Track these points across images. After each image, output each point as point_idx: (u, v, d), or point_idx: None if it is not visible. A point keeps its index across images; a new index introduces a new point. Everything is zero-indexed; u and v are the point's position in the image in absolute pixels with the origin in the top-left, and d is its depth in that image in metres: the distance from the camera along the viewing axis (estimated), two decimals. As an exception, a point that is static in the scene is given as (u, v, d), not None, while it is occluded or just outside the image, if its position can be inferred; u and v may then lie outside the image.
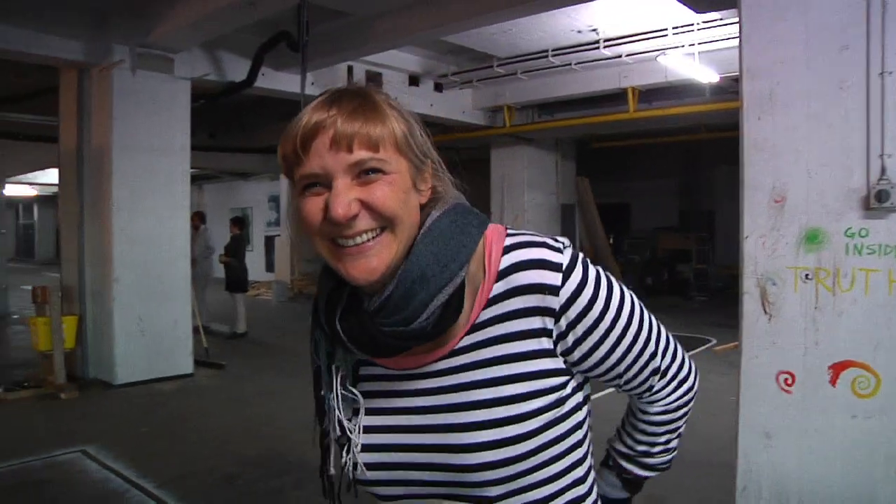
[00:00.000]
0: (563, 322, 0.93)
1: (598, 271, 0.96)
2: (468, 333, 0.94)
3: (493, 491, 0.94)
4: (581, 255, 0.96)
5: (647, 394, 1.08)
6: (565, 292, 0.92)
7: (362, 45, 7.72)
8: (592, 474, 1.06)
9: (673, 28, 7.31)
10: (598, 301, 0.94)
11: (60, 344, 6.83)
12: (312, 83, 8.71)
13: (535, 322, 0.93)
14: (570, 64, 8.64)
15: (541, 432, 0.93)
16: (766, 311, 2.70)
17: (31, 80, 9.39)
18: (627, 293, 1.00)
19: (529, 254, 0.93)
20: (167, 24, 6.54)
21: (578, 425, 1.00)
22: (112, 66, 6.86)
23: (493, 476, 0.93)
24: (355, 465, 0.99)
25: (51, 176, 14.85)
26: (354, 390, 1.00)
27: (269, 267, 18.82)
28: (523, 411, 0.92)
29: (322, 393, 1.04)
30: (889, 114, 2.40)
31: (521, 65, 9.03)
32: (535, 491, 0.96)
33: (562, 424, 0.96)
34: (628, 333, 0.98)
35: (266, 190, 19.00)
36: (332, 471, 1.04)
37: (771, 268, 2.68)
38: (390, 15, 7.07)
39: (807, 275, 2.60)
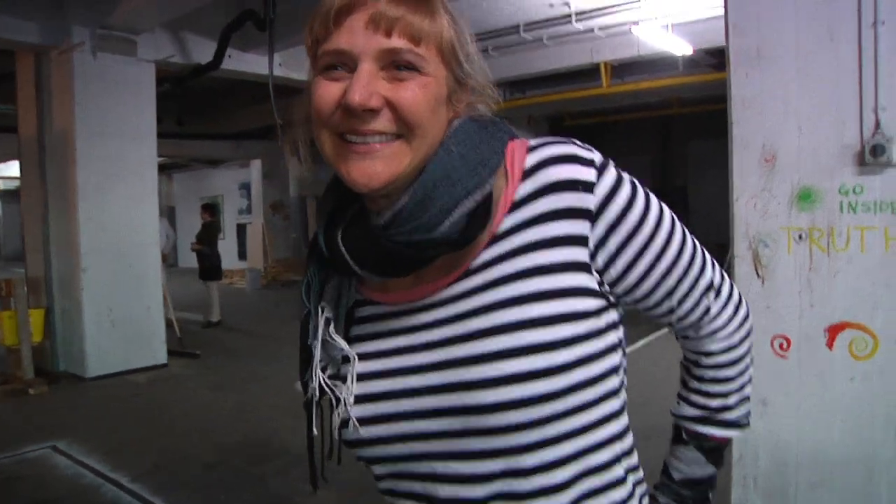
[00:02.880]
0: (602, 225, 0.80)
1: (632, 179, 0.84)
2: (487, 247, 0.81)
3: (518, 439, 0.78)
4: (612, 162, 0.85)
5: (706, 320, 0.92)
6: (602, 189, 0.80)
7: (331, 22, 7.52)
8: (631, 437, 0.90)
9: (646, -1, 7.23)
10: (637, 200, 0.82)
11: (28, 338, 6.63)
12: (280, 64, 8.52)
13: (568, 226, 0.80)
14: (541, 39, 8.53)
15: (573, 368, 0.78)
16: (759, 275, 2.62)
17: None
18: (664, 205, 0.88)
19: (559, 150, 0.82)
20: (127, 3, 6.30)
21: (614, 370, 0.84)
22: (72, 49, 6.61)
23: (518, 418, 0.77)
24: (346, 421, 0.84)
25: (13, 169, 14.46)
26: (338, 337, 0.86)
27: (242, 255, 18.60)
28: (555, 338, 0.77)
29: (308, 343, 0.89)
30: (882, 65, 2.32)
31: (492, 41, 8.88)
32: (568, 442, 0.80)
33: (595, 364, 0.80)
34: (673, 239, 0.85)
35: (237, 177, 18.76)
36: (315, 431, 0.90)
37: (763, 229, 2.60)
38: (359, -10, 6.88)
39: (800, 235, 2.53)
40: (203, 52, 7.70)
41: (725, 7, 2.70)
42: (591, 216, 0.80)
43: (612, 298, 0.84)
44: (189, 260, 10.61)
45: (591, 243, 0.80)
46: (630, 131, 14.41)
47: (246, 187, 18.30)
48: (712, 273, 0.92)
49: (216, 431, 5.23)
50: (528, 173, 0.82)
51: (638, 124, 13.62)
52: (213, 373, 7.22)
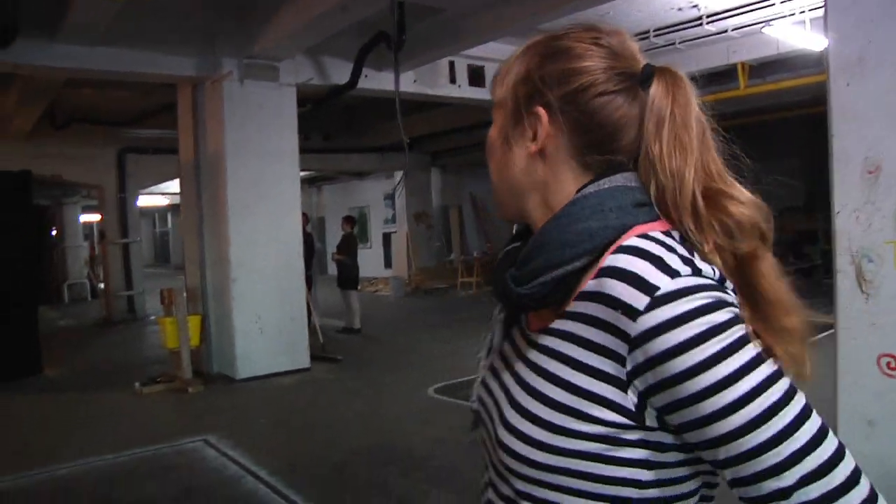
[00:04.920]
0: (640, 355, 0.76)
1: (718, 325, 0.74)
2: (559, 318, 0.86)
3: (516, 483, 0.87)
4: (708, 297, 0.76)
5: None
6: (647, 321, 0.75)
7: (459, 40, 7.77)
8: None
9: (781, -9, 6.90)
10: (692, 351, 0.73)
11: (186, 342, 7.31)
12: (415, 81, 8.87)
13: (604, 338, 0.79)
14: (673, 43, 8.33)
15: (570, 456, 0.81)
16: (863, 290, 2.52)
17: (155, 98, 10.09)
18: (761, 374, 0.74)
19: (629, 263, 0.79)
20: (269, 34, 6.83)
21: (635, 483, 0.81)
22: (222, 79, 7.25)
23: (515, 467, 0.86)
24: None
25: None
26: (495, 332, 1.02)
27: (388, 264, 19.25)
28: (560, 424, 0.82)
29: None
30: None
31: (623, 48, 8.75)
32: None
33: (604, 465, 0.81)
34: (735, 416, 0.73)
35: (382, 188, 19.42)
36: (474, 403, 1.02)
37: (867, 243, 2.50)
38: (484, 8, 7.06)
39: (907, 249, 2.42)
40: (340, 73, 8.15)
41: (825, 12, 2.62)
42: (629, 340, 0.77)
43: (654, 423, 0.79)
44: (336, 269, 11.14)
45: (628, 364, 0.78)
46: (776, 132, 13.63)
47: (391, 198, 18.92)
48: (793, 481, 0.73)
49: (347, 433, 5.55)
50: (599, 273, 0.82)
51: (784, 125, 12.87)
52: (350, 378, 7.62)
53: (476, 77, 9.57)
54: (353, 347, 9.37)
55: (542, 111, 0.88)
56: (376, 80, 8.39)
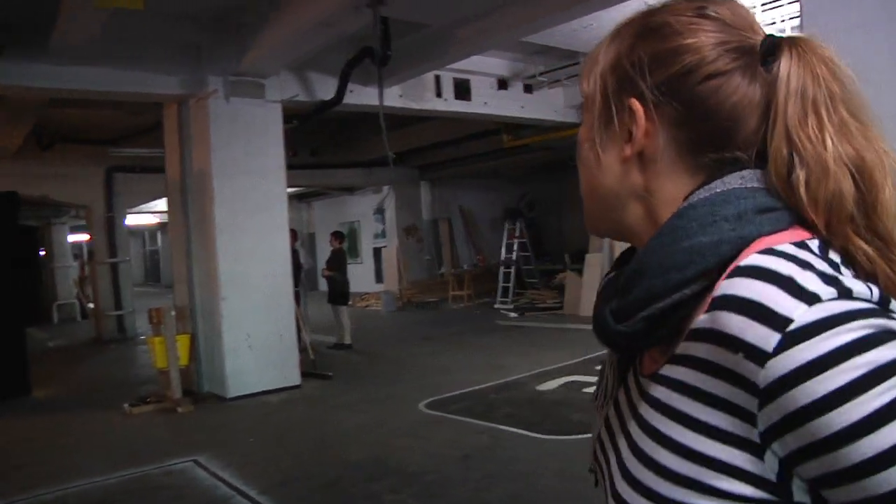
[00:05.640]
0: (775, 413, 0.57)
1: (886, 365, 0.55)
2: (669, 363, 0.68)
3: None
4: (867, 327, 0.56)
5: None
6: (779, 367, 0.56)
7: (445, 53, 7.82)
8: None
9: (762, 4, 6.98)
10: (849, 405, 0.54)
11: (175, 361, 7.26)
12: (401, 95, 8.90)
13: (724, 389, 0.61)
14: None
15: None
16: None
17: (142, 118, 10.09)
18: None
19: (748, 288, 0.60)
20: (254, 51, 6.84)
21: None
22: (207, 96, 7.26)
23: None
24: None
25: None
26: (608, 375, 0.85)
27: (379, 278, 19.22)
28: (680, 500, 0.64)
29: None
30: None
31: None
32: None
33: None
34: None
35: (371, 203, 19.42)
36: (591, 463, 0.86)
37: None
38: (468, 22, 7.11)
39: None
40: (326, 88, 8.17)
41: (801, 21, 2.63)
42: (758, 392, 0.58)
43: (804, 498, 0.61)
44: (326, 285, 11.11)
45: (761, 424, 0.59)
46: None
47: (381, 212, 18.93)
48: None
49: (338, 450, 5.52)
50: (712, 304, 0.63)
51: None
52: (340, 394, 7.58)
53: (462, 90, 9.63)
54: (344, 363, 9.33)
55: (636, 104, 0.71)
56: (363, 96, 8.41)
